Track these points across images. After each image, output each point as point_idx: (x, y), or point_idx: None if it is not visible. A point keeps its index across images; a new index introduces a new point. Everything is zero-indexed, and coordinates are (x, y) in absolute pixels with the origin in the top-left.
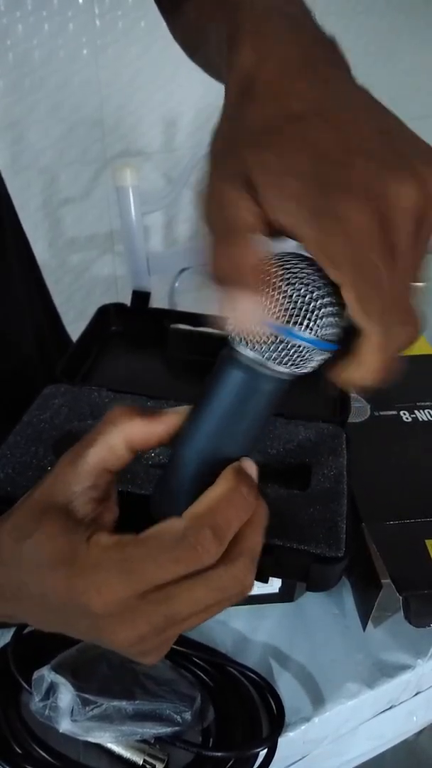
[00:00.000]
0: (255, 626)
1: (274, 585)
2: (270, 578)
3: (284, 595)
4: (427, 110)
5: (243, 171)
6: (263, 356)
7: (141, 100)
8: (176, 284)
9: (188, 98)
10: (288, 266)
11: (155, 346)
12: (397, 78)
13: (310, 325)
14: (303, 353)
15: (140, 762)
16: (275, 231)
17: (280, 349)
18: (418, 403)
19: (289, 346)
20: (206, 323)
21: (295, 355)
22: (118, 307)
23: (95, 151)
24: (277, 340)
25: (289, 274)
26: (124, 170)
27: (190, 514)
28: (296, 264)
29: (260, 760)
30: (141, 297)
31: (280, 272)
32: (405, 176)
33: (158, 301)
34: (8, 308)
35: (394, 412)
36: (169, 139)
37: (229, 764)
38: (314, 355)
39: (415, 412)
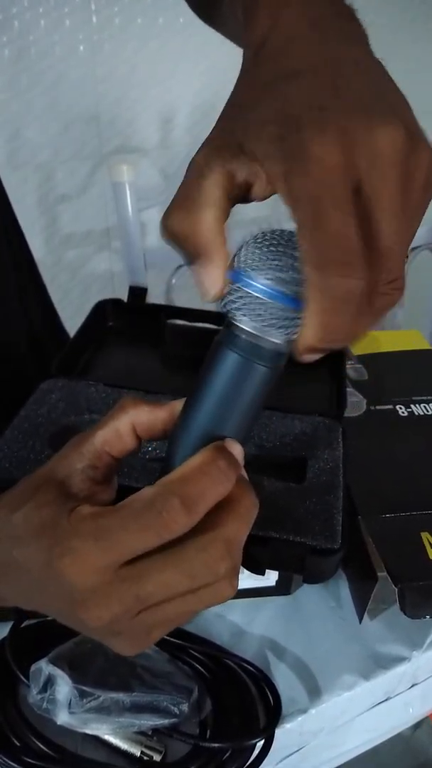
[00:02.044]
0: (252, 618)
1: (271, 577)
2: (266, 570)
3: (281, 588)
4: (426, 106)
5: (235, 140)
6: (237, 315)
7: (138, 97)
8: (173, 280)
9: (185, 94)
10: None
11: (152, 342)
12: (396, 74)
13: (263, 269)
14: (264, 305)
15: (138, 753)
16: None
17: (244, 303)
18: (414, 398)
19: (248, 298)
20: (202, 318)
21: (259, 309)
22: (115, 302)
23: (92, 148)
24: (238, 292)
25: (259, 237)
26: (120, 166)
27: (162, 481)
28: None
29: (257, 751)
30: (138, 293)
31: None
32: (382, 126)
33: (155, 297)
34: (3, 306)
35: (390, 407)
36: (166, 136)
37: (226, 755)
38: (275, 310)
39: (411, 406)
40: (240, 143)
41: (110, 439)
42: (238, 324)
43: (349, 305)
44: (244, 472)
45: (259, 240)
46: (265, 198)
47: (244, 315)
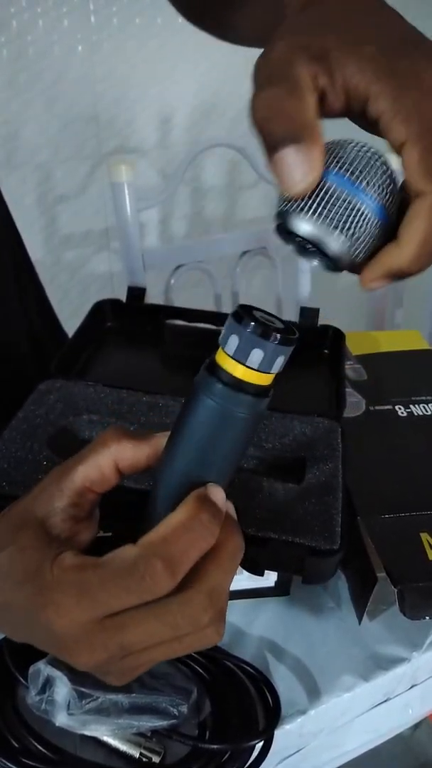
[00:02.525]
0: (251, 620)
1: (270, 578)
2: (265, 571)
3: (280, 589)
4: None
5: (320, 44)
6: (321, 220)
7: (136, 96)
8: (172, 281)
9: (184, 95)
10: (342, 142)
11: (151, 342)
12: None
13: (372, 182)
14: (363, 217)
15: (137, 755)
16: (334, 108)
17: (340, 208)
18: (413, 398)
19: (351, 206)
20: (201, 319)
21: (355, 219)
22: (114, 303)
23: (90, 148)
24: (340, 199)
25: (346, 144)
26: (119, 166)
27: (144, 541)
28: (349, 142)
29: (256, 752)
30: (136, 293)
31: (337, 142)
32: None
33: (154, 298)
34: (2, 306)
35: (390, 407)
36: (165, 136)
37: (226, 757)
38: (370, 226)
39: (411, 406)
40: (327, 50)
41: (92, 476)
42: (300, 225)
43: None
44: (231, 509)
45: (359, 148)
46: (326, 116)
47: (331, 224)
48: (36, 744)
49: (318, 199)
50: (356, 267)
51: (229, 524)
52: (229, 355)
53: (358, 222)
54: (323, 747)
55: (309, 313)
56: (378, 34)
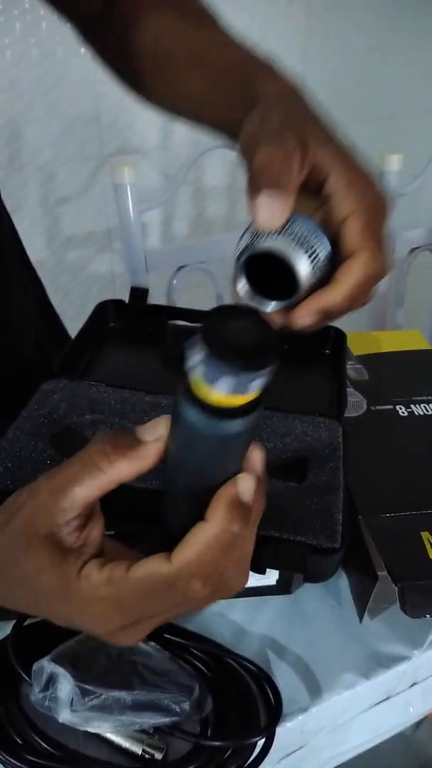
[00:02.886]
0: (253, 618)
1: (272, 577)
2: (267, 570)
3: (282, 587)
4: (425, 107)
5: (300, 129)
6: (293, 239)
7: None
8: (174, 281)
9: None
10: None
11: (153, 343)
12: (394, 75)
13: (324, 232)
14: (323, 248)
15: (139, 752)
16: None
17: (307, 237)
18: (414, 398)
19: (316, 237)
20: (203, 319)
21: (317, 248)
22: (117, 303)
23: (93, 149)
24: (308, 231)
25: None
26: (121, 167)
27: (180, 559)
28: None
29: (258, 749)
30: (139, 293)
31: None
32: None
33: (156, 299)
34: (6, 307)
35: (391, 407)
36: (167, 137)
37: (227, 754)
38: (326, 259)
39: (411, 406)
40: (306, 135)
41: (93, 495)
42: (282, 254)
43: (377, 280)
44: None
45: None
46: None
47: (300, 246)
48: (39, 740)
49: (290, 227)
50: (292, 307)
51: (250, 517)
52: (197, 377)
53: (318, 251)
54: (324, 744)
55: None
56: (334, 133)
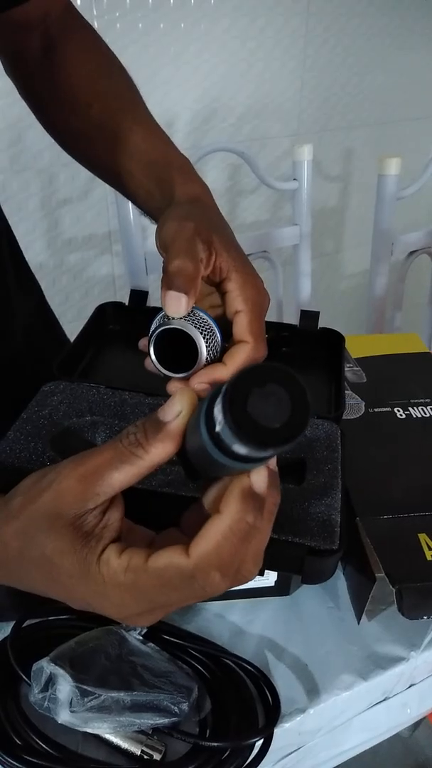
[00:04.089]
0: (251, 619)
1: (270, 578)
2: (266, 571)
3: (280, 589)
4: (423, 111)
5: (208, 235)
6: (193, 323)
7: None
8: None
9: (185, 99)
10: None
11: None
12: (393, 80)
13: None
14: (216, 337)
15: (138, 752)
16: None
17: (205, 324)
18: (411, 400)
19: (210, 327)
20: None
21: (212, 335)
22: (116, 305)
23: None
24: (206, 321)
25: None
26: None
27: (198, 553)
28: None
29: (256, 750)
30: (139, 296)
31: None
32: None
33: (156, 301)
34: (2, 309)
35: (388, 409)
36: None
37: (226, 754)
38: (217, 345)
39: (409, 408)
40: (212, 240)
41: (130, 482)
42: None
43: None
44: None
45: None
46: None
47: (198, 328)
48: (38, 741)
49: (191, 316)
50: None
51: (264, 508)
52: (217, 425)
53: (211, 334)
54: (322, 745)
55: (309, 316)
56: (232, 238)
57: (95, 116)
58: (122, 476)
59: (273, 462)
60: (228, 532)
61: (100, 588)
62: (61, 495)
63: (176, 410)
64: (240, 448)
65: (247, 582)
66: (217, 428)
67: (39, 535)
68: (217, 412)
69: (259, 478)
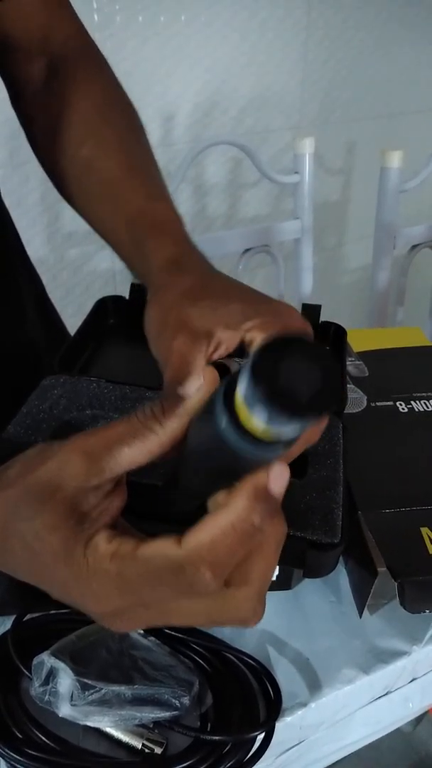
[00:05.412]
0: None
1: None
2: None
3: (281, 583)
4: (426, 104)
5: (184, 322)
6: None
7: (138, 94)
8: None
9: (186, 92)
10: None
11: None
12: (395, 72)
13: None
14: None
15: (139, 746)
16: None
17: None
18: (414, 394)
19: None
20: None
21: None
22: (117, 299)
23: None
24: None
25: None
26: None
27: (192, 544)
28: None
29: (257, 744)
30: (139, 290)
31: None
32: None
33: None
34: (4, 304)
35: (391, 403)
36: (167, 133)
37: (227, 748)
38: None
39: (411, 402)
40: (201, 328)
41: (140, 460)
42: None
43: None
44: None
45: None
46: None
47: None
48: (39, 735)
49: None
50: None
51: (275, 511)
52: (239, 395)
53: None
54: (324, 740)
55: (311, 310)
56: (222, 282)
57: (84, 157)
58: (133, 452)
59: (281, 480)
60: (228, 528)
61: (82, 572)
62: (65, 466)
63: (197, 384)
64: (265, 423)
65: (254, 594)
66: (241, 400)
67: (32, 506)
68: (242, 386)
69: (279, 477)
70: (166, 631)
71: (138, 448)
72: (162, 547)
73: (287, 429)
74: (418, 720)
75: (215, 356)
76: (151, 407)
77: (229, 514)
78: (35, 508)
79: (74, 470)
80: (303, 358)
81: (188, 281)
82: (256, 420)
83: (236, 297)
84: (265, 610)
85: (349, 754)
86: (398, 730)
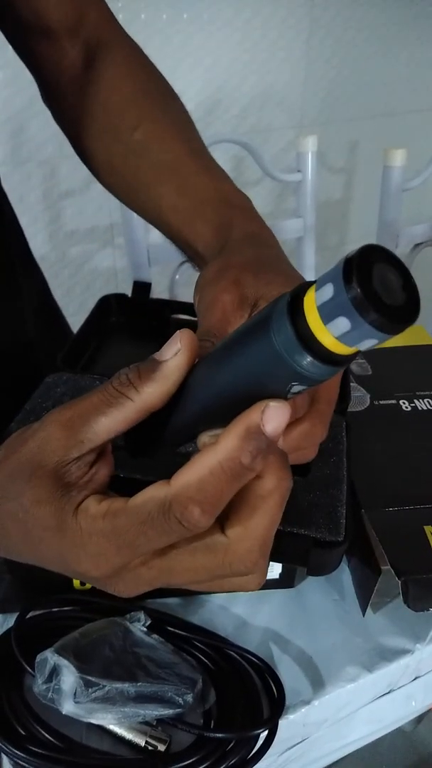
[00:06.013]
0: (255, 611)
1: (275, 570)
2: (271, 563)
3: (284, 581)
4: (429, 103)
5: (239, 283)
6: None
7: None
8: (176, 276)
9: (187, 90)
10: None
11: (156, 336)
12: (397, 71)
13: None
14: None
15: (142, 743)
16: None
17: None
18: (417, 393)
19: None
20: None
21: None
22: (119, 297)
23: None
24: None
25: None
26: None
27: (179, 482)
28: None
29: (261, 741)
30: (142, 288)
31: None
32: None
33: (158, 293)
34: (7, 300)
35: (394, 401)
36: None
37: (230, 746)
38: None
39: (415, 401)
40: (250, 295)
41: (118, 429)
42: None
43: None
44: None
45: None
46: None
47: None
48: (42, 732)
49: None
50: None
51: (280, 465)
52: (315, 304)
53: None
54: (327, 737)
55: None
56: (286, 269)
57: (139, 140)
58: (109, 422)
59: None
60: (217, 467)
61: (77, 538)
62: (44, 442)
63: (174, 349)
64: (347, 331)
65: (263, 551)
66: (317, 309)
67: (19, 484)
68: (325, 292)
69: (273, 415)
70: (169, 628)
71: (114, 417)
72: (151, 491)
73: (365, 341)
74: (419, 719)
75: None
76: (126, 374)
77: (217, 454)
78: (21, 485)
79: (53, 445)
80: (393, 268)
81: (257, 253)
82: (334, 329)
83: (296, 280)
84: (267, 572)
85: (349, 753)
86: (399, 729)
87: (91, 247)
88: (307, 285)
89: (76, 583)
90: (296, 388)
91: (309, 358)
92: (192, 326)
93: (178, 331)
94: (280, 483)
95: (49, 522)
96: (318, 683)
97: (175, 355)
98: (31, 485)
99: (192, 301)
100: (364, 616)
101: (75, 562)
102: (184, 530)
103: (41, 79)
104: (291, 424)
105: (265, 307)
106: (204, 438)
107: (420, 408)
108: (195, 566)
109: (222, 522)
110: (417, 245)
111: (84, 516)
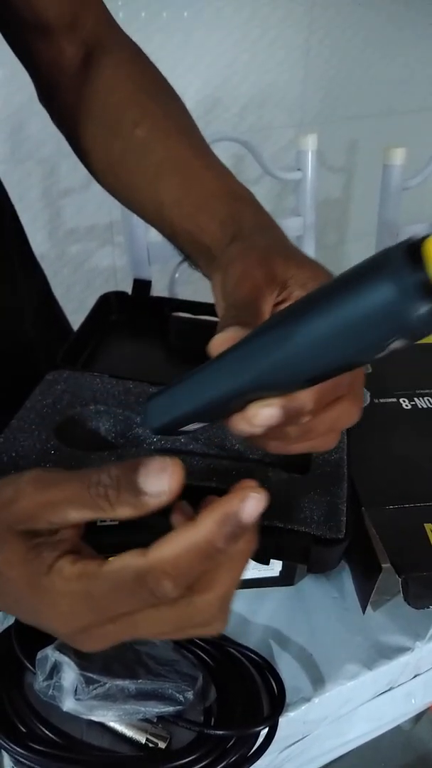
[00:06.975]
0: (255, 609)
1: (275, 568)
2: (271, 561)
3: (285, 579)
4: (429, 102)
5: (268, 261)
6: None
7: None
8: (176, 274)
9: (187, 89)
10: None
11: (156, 334)
12: (397, 70)
13: None
14: None
15: (143, 741)
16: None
17: None
18: (417, 391)
19: None
20: (206, 311)
21: None
22: (120, 295)
23: None
24: None
25: None
26: None
27: (156, 556)
28: None
29: (261, 739)
30: (142, 285)
31: None
32: None
33: (159, 291)
34: (7, 297)
35: (394, 400)
36: None
37: (231, 743)
38: None
39: (415, 399)
40: (280, 275)
41: (85, 520)
42: None
43: None
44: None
45: None
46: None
47: None
48: (43, 729)
49: None
50: None
51: (246, 533)
52: None
53: None
54: (327, 735)
55: None
56: (312, 266)
57: (141, 137)
58: (79, 516)
59: (255, 505)
60: (192, 547)
61: (50, 597)
62: (15, 513)
63: (160, 487)
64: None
65: (216, 602)
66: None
67: None
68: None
69: (252, 506)
70: None
71: (84, 515)
72: (127, 559)
73: None
74: (418, 718)
75: (278, 308)
76: (106, 486)
77: (194, 535)
78: None
79: (23, 517)
80: None
81: (280, 239)
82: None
83: (324, 269)
84: (229, 618)
85: (348, 752)
86: (397, 727)
87: (90, 245)
88: (419, 238)
89: None
90: (396, 344)
91: (427, 307)
92: (192, 324)
93: (169, 465)
94: (244, 545)
95: (22, 582)
96: (318, 681)
97: (159, 496)
98: (3, 548)
99: (191, 299)
100: (364, 613)
101: (47, 618)
102: (155, 599)
103: (39, 78)
104: (331, 403)
105: (372, 257)
106: (254, 410)
107: (420, 406)
108: (160, 621)
109: None
110: None
111: (58, 576)
